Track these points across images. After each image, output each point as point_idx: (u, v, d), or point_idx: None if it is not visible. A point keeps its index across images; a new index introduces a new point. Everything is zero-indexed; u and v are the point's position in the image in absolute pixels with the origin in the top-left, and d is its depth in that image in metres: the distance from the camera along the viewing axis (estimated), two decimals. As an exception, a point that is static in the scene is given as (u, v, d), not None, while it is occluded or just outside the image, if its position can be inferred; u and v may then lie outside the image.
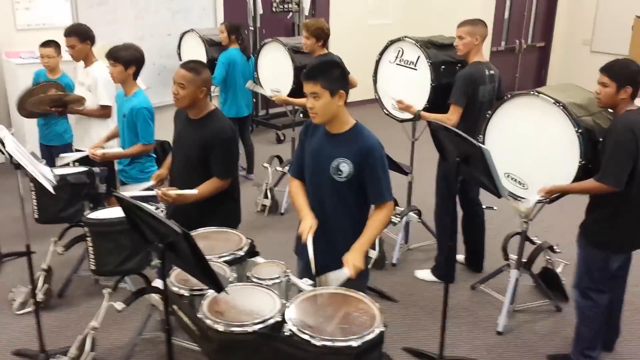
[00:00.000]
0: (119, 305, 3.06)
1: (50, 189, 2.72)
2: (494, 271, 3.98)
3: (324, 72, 2.44)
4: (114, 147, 3.99)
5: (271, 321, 2.13)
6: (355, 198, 2.55)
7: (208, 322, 2.14)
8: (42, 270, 3.70)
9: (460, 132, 2.84)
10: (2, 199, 4.84)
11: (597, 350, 3.24)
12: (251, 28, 7.46)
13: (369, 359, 2.08)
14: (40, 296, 3.65)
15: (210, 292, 2.30)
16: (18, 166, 2.81)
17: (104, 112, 4.20)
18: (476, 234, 4.19)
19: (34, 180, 3.41)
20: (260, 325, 2.11)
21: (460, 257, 4.34)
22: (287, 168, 5.27)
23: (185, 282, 2.39)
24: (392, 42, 4.18)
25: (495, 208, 4.47)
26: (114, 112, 4.15)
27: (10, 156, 2.82)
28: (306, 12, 8.04)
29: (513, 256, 3.76)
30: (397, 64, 4.14)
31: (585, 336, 3.22)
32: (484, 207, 4.19)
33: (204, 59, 5.64)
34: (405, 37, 4.08)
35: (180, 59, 5.96)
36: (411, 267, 4.33)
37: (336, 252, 2.49)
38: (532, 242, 3.82)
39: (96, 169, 3.64)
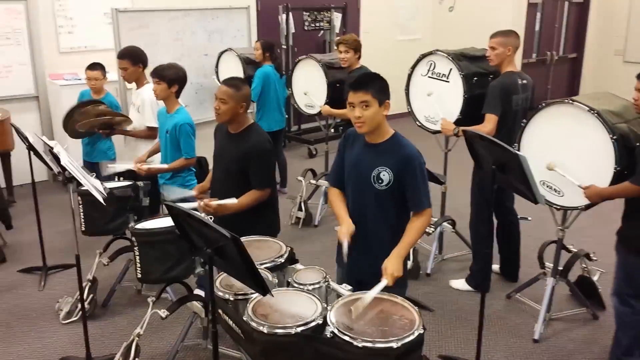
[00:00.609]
0: (164, 313, 3.18)
1: (102, 201, 2.86)
2: (530, 280, 3.99)
3: (373, 81, 2.54)
4: (157, 163, 4.14)
5: (313, 324, 2.21)
6: (395, 206, 2.62)
7: (253, 324, 2.22)
8: (87, 281, 3.85)
9: (495, 140, 2.89)
10: (47, 215, 5.04)
11: (634, 357, 3.22)
12: (284, 46, 7.63)
13: (409, 360, 2.14)
14: (86, 306, 3.80)
15: (254, 297, 2.40)
16: (70, 180, 2.97)
17: (151, 133, 4.32)
18: (512, 243, 4.21)
19: (81, 194, 3.58)
20: (303, 328, 2.19)
21: (495, 266, 4.35)
22: (320, 181, 5.37)
23: (230, 288, 2.49)
24: (424, 56, 4.26)
25: (529, 219, 4.46)
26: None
27: (63, 170, 2.97)
28: (337, 30, 8.18)
29: (549, 264, 3.77)
30: (429, 77, 4.22)
31: (623, 343, 3.21)
32: (518, 217, 4.21)
33: (241, 77, 5.81)
34: (437, 50, 4.16)
35: (218, 77, 6.14)
36: (446, 277, 4.37)
37: (373, 262, 2.55)
38: (568, 251, 3.82)
39: (140, 183, 3.78)
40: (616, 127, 3.09)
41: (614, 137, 3.04)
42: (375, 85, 2.54)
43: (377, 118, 2.55)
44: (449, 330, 3.73)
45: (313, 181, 5.44)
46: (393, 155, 2.57)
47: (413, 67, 4.32)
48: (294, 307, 2.33)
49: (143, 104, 4.30)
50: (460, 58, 4.08)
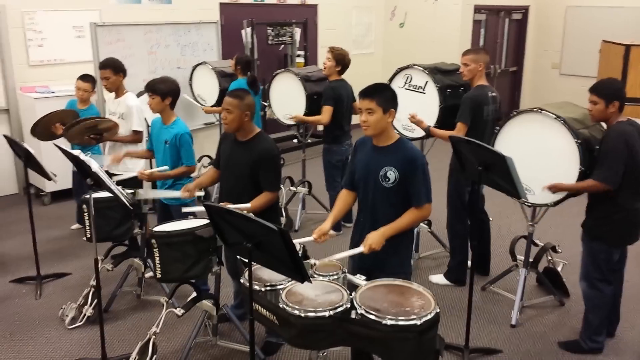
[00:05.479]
0: (179, 311, 3.37)
1: (129, 206, 3.03)
2: (503, 272, 4.39)
3: (379, 91, 2.85)
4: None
5: (342, 307, 2.50)
6: (401, 201, 2.91)
7: (288, 309, 2.49)
8: (91, 287, 3.97)
9: (483, 144, 3.26)
10: (26, 226, 5.04)
11: (602, 336, 3.66)
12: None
13: (429, 336, 2.45)
14: (90, 311, 3.92)
15: (283, 286, 2.66)
16: (91, 186, 3.14)
17: (136, 137, 4.57)
18: (483, 240, 4.61)
19: (87, 202, 3.71)
20: (335, 311, 2.47)
21: (468, 262, 4.73)
22: (299, 188, 5.65)
23: (258, 280, 2.74)
24: (400, 70, 4.63)
25: (491, 219, 4.87)
26: (144, 137, 4.55)
27: (85, 178, 3.14)
28: (297, 44, 8.50)
29: (520, 257, 4.18)
30: (406, 89, 4.58)
31: (593, 323, 3.63)
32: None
33: (216, 90, 6.03)
34: (413, 64, 4.54)
35: (192, 90, 6.32)
36: (424, 274, 4.72)
37: (380, 253, 2.85)
38: (536, 244, 4.25)
39: (140, 191, 3.95)
40: (579, 133, 3.53)
41: (579, 141, 3.48)
42: (380, 94, 2.85)
43: (380, 123, 2.86)
44: (434, 320, 4.07)
45: (292, 188, 5.71)
46: (399, 156, 2.88)
47: (391, 80, 4.68)
48: (321, 294, 2.61)
49: (129, 110, 4.53)
50: (435, 72, 4.47)
